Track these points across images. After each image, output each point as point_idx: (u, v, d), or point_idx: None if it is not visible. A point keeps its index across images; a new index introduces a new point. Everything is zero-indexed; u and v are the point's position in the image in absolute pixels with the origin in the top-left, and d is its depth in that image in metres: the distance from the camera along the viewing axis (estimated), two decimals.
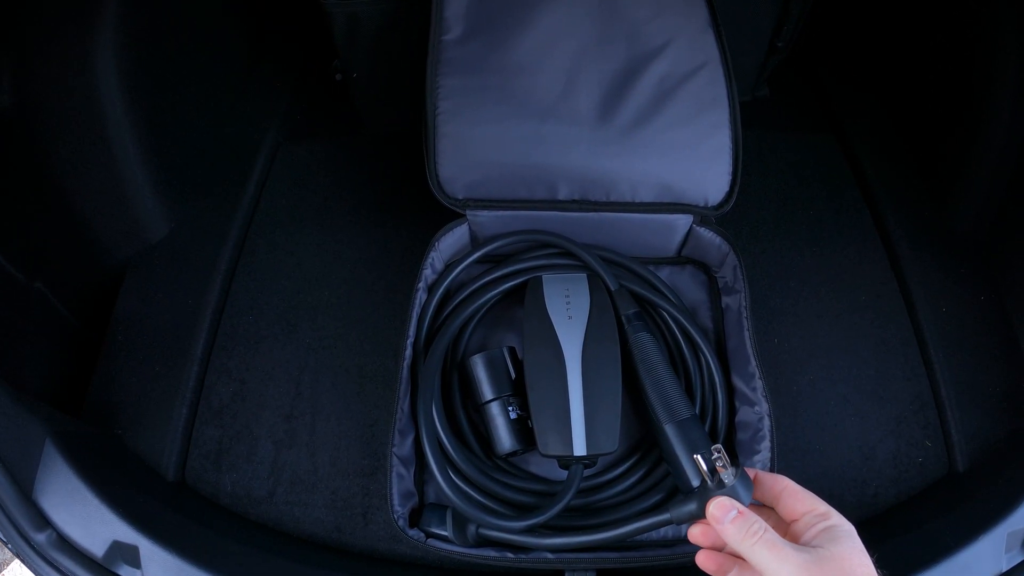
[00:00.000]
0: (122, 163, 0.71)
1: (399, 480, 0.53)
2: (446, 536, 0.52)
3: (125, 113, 0.70)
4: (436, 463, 0.50)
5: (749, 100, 0.87)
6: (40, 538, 0.51)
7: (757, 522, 0.38)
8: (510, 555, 0.51)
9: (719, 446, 0.41)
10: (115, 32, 0.66)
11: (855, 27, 0.93)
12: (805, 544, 0.37)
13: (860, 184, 0.80)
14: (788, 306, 0.70)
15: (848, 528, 0.38)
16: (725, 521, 0.39)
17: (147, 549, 0.51)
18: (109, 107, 0.68)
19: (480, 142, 0.59)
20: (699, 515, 0.42)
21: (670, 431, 0.54)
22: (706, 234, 0.63)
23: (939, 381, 0.65)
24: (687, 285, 0.67)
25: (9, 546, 0.54)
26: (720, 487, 0.40)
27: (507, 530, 0.50)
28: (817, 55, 0.93)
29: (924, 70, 0.83)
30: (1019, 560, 0.51)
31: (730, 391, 0.60)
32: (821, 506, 0.39)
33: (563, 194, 0.60)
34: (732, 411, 0.60)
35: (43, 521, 0.51)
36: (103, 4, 0.65)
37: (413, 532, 0.51)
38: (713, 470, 0.41)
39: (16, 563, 1.03)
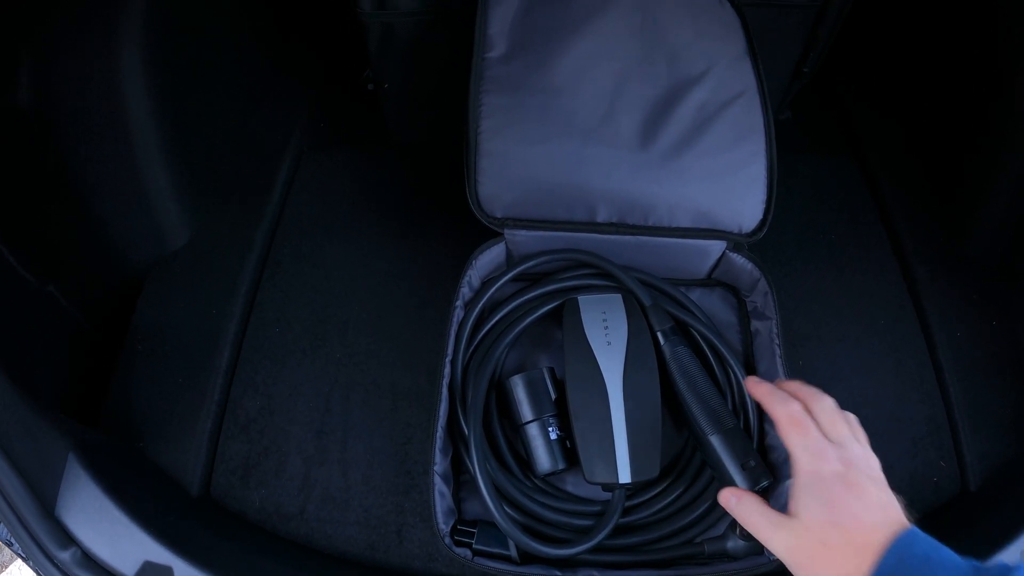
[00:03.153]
0: (144, 165, 0.70)
1: (441, 498, 0.53)
2: (507, 555, 0.52)
3: (150, 113, 0.68)
4: (493, 503, 0.51)
5: None
6: (64, 556, 0.50)
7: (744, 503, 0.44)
8: (557, 572, 0.51)
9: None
10: (142, 29, 0.65)
11: (877, 52, 0.95)
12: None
13: (879, 208, 0.82)
14: (812, 329, 0.71)
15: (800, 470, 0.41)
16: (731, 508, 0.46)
17: (182, 571, 0.51)
18: (134, 107, 0.67)
19: (521, 161, 0.59)
20: (730, 554, 0.53)
21: (716, 441, 0.55)
22: (738, 260, 0.64)
23: (953, 403, 0.67)
24: (717, 307, 0.68)
25: (30, 563, 0.53)
26: (747, 538, 0.52)
27: (560, 556, 0.51)
28: (839, 79, 0.94)
29: (944, 96, 0.85)
30: None
31: (760, 413, 0.61)
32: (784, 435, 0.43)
33: (602, 216, 0.60)
34: (762, 432, 0.61)
35: (67, 539, 0.50)
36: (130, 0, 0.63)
37: (460, 551, 0.51)
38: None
39: (14, 566, 1.01)
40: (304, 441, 0.63)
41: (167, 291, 0.70)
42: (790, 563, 0.39)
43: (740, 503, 0.44)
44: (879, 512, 0.37)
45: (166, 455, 0.61)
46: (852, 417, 0.46)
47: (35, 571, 0.52)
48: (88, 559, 0.50)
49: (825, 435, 0.42)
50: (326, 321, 0.69)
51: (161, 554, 0.51)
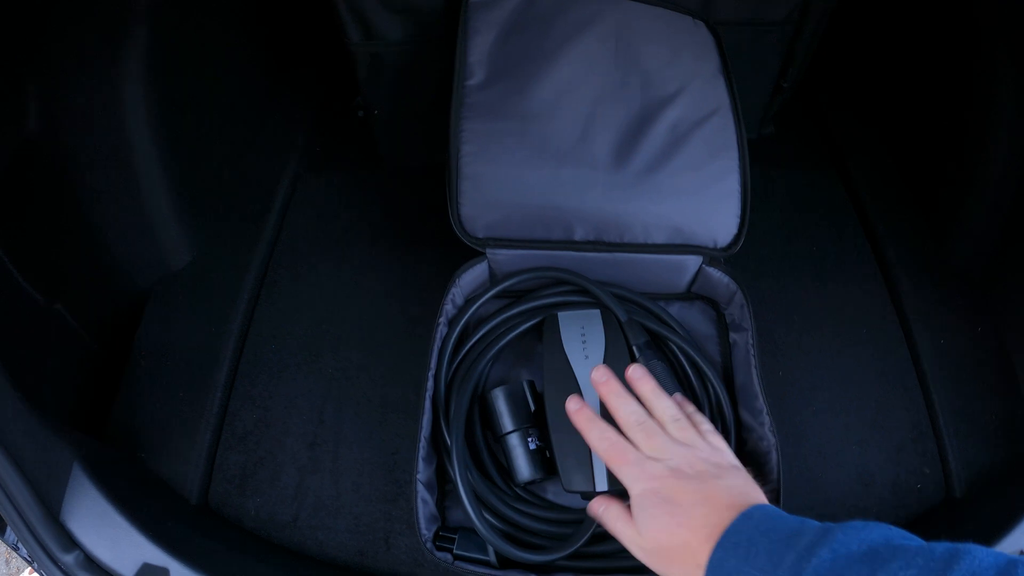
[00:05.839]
0: (147, 191, 0.73)
1: (424, 505, 0.55)
2: (486, 560, 0.54)
3: (153, 142, 0.72)
4: (472, 508, 0.53)
5: (755, 138, 0.90)
6: (68, 559, 0.52)
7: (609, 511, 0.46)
8: None
9: None
10: (144, 60, 0.68)
11: (857, 65, 0.96)
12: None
13: (861, 220, 0.83)
14: (792, 339, 0.73)
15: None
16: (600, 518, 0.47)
17: (177, 571, 0.53)
18: (136, 135, 0.70)
19: (500, 184, 0.62)
20: None
21: None
22: (715, 274, 0.66)
23: (937, 411, 0.68)
24: (696, 320, 0.70)
25: (34, 565, 0.56)
26: None
27: (538, 562, 0.53)
28: (821, 93, 0.96)
29: (923, 107, 0.86)
30: None
31: (738, 423, 0.63)
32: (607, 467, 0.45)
33: (579, 235, 0.63)
34: (740, 442, 0.62)
35: (70, 543, 0.53)
36: (133, 33, 0.67)
37: (441, 555, 0.54)
38: None
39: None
40: (298, 452, 0.65)
41: (169, 310, 0.74)
42: (647, 564, 0.43)
43: (606, 511, 0.46)
44: (700, 514, 0.39)
45: (166, 466, 0.64)
46: (671, 413, 0.47)
47: (39, 573, 0.55)
48: (90, 562, 0.52)
49: (643, 452, 0.44)
50: (320, 337, 0.72)
51: (158, 556, 0.53)
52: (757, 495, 0.39)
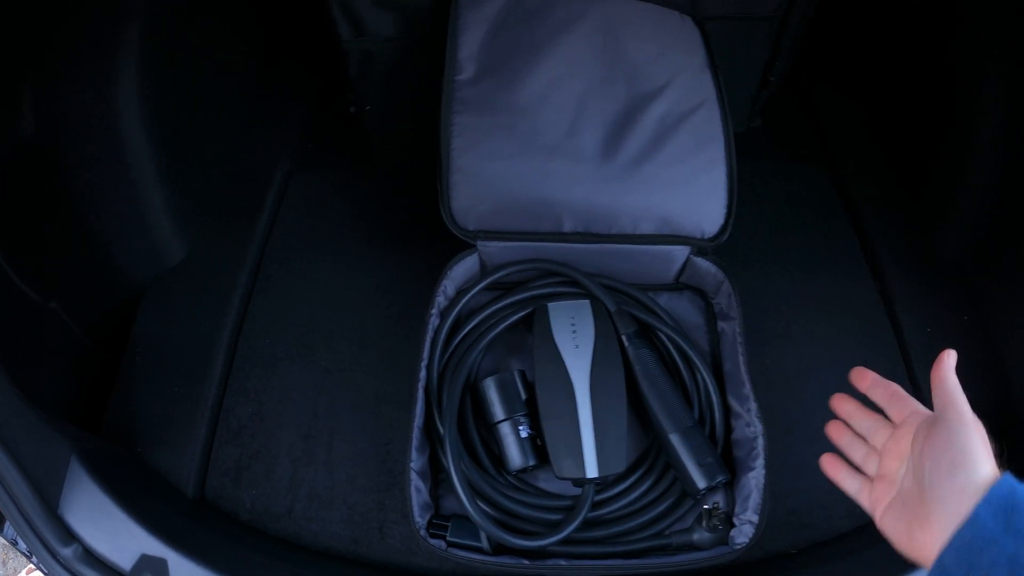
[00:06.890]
0: (141, 188, 0.74)
1: (417, 494, 0.56)
2: (479, 547, 0.55)
3: (147, 140, 0.72)
4: (466, 496, 0.54)
5: (743, 131, 0.91)
6: (66, 552, 0.53)
7: None
8: (526, 562, 0.54)
9: (718, 500, 0.55)
10: (138, 58, 0.68)
11: (846, 58, 0.98)
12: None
13: (849, 211, 0.84)
14: (781, 329, 0.73)
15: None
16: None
17: (175, 562, 0.54)
18: (130, 133, 0.71)
19: (491, 177, 0.63)
20: (696, 545, 0.57)
21: (675, 440, 0.58)
22: (703, 264, 0.67)
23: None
24: (685, 309, 0.71)
25: (34, 559, 0.56)
26: (713, 529, 0.56)
27: (530, 547, 0.54)
28: (809, 85, 0.97)
29: (912, 102, 0.87)
30: None
31: (726, 409, 0.64)
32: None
33: (568, 227, 0.64)
34: (728, 428, 0.63)
35: (69, 536, 0.53)
36: (126, 32, 0.67)
37: (435, 542, 0.54)
38: (711, 516, 0.56)
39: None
40: (292, 444, 0.66)
41: (164, 306, 0.74)
42: None
43: None
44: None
45: (163, 460, 0.65)
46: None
47: (39, 567, 0.56)
48: (88, 554, 0.53)
49: None
50: (313, 331, 0.72)
51: (157, 547, 0.54)
52: None
